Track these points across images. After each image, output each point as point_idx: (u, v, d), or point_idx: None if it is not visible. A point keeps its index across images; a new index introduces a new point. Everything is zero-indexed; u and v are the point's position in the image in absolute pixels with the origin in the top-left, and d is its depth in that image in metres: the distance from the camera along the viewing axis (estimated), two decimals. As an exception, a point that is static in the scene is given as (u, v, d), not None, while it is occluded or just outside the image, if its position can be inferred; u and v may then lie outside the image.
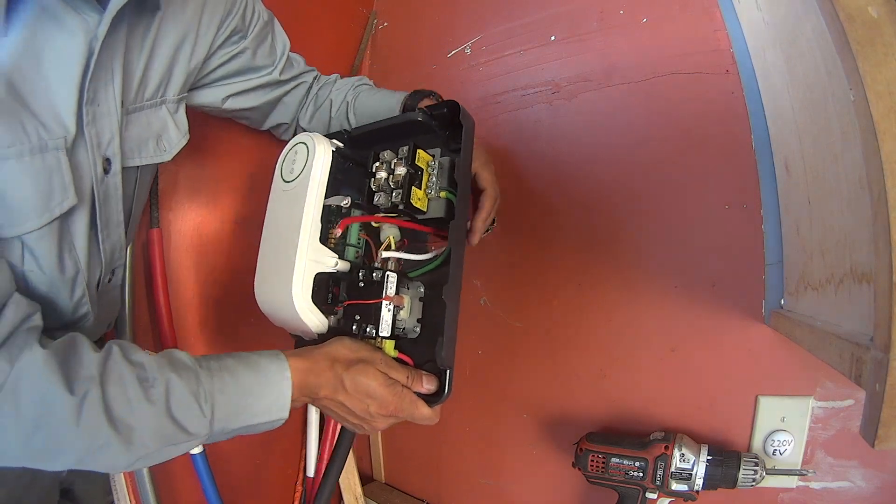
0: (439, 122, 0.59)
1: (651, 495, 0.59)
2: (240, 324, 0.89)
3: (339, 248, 0.59)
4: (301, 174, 0.58)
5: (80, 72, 0.44)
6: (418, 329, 0.57)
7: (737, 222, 0.61)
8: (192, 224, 0.83)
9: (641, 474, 0.59)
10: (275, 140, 0.93)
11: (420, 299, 0.58)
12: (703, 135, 0.64)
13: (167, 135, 0.58)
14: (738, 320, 0.60)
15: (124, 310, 0.73)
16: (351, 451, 0.95)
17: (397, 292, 0.55)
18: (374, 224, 0.61)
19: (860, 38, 0.29)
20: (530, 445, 0.78)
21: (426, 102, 0.67)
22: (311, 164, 0.57)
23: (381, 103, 0.73)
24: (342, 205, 0.59)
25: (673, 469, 0.58)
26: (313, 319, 0.56)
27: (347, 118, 0.75)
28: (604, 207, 0.72)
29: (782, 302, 0.56)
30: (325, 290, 0.57)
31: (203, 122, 0.84)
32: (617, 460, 0.61)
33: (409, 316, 0.57)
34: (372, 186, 0.58)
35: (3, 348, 0.39)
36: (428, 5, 0.98)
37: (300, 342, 0.62)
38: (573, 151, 0.75)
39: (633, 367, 0.68)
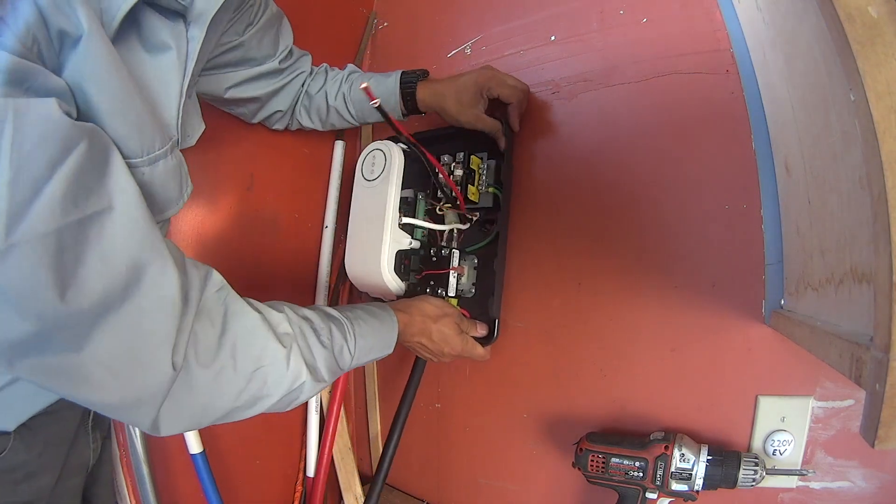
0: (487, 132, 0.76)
1: (651, 495, 0.59)
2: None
3: (409, 233, 0.79)
4: (381, 174, 0.77)
5: (181, 75, 0.48)
6: (474, 290, 0.77)
7: (737, 222, 0.61)
8: (192, 224, 0.83)
9: (641, 474, 0.59)
10: (275, 141, 0.93)
11: (474, 268, 0.77)
12: (703, 135, 0.64)
13: (190, 121, 0.60)
14: (738, 320, 0.60)
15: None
16: (351, 453, 0.96)
17: (458, 263, 0.76)
18: (438, 212, 0.79)
19: (860, 38, 0.29)
20: (530, 445, 0.78)
21: (424, 83, 0.79)
22: (389, 165, 0.76)
23: (378, 88, 0.78)
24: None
25: (673, 469, 0.58)
26: (394, 285, 0.76)
27: (347, 108, 0.80)
28: (604, 207, 0.72)
29: (782, 302, 0.56)
30: (400, 263, 0.77)
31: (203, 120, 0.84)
32: (617, 460, 0.61)
33: (467, 280, 0.77)
34: (440, 181, 0.75)
35: (202, 311, 0.43)
36: (428, 5, 0.98)
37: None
38: (572, 152, 0.75)
39: (633, 367, 0.68)
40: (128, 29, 0.43)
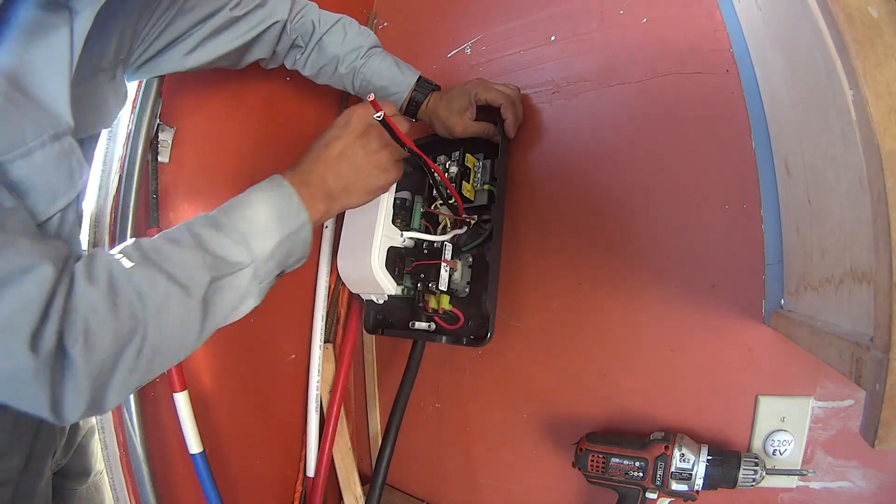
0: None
1: (651, 495, 0.59)
2: (239, 323, 0.89)
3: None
4: None
5: (68, 63, 0.46)
6: (468, 290, 0.75)
7: (737, 222, 0.61)
8: (192, 224, 0.83)
9: (641, 474, 0.59)
10: (275, 141, 0.93)
11: (469, 267, 0.76)
12: (703, 135, 0.64)
13: (107, 102, 0.58)
14: (738, 320, 0.60)
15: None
16: (351, 452, 0.96)
17: (452, 259, 0.73)
18: (432, 209, 0.78)
19: (860, 38, 0.29)
20: (530, 445, 0.78)
21: (434, 96, 0.79)
22: None
23: (390, 80, 0.78)
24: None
25: (673, 469, 0.58)
26: (385, 281, 0.73)
27: (353, 81, 0.79)
28: (603, 207, 0.72)
29: (782, 302, 0.56)
30: (394, 263, 0.74)
31: (203, 120, 0.85)
32: (617, 460, 0.61)
33: (461, 279, 0.75)
34: (431, 181, 0.73)
35: (67, 285, 0.41)
36: (428, 5, 0.98)
37: (370, 310, 0.82)
38: (573, 152, 0.75)
39: (633, 367, 0.68)
40: (17, 8, 0.43)
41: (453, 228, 0.77)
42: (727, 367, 0.61)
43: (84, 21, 0.47)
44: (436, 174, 0.70)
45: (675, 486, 0.58)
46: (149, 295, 0.44)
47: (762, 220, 0.59)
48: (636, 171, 0.69)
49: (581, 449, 0.63)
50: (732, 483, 0.56)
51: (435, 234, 0.77)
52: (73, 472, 0.70)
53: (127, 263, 0.44)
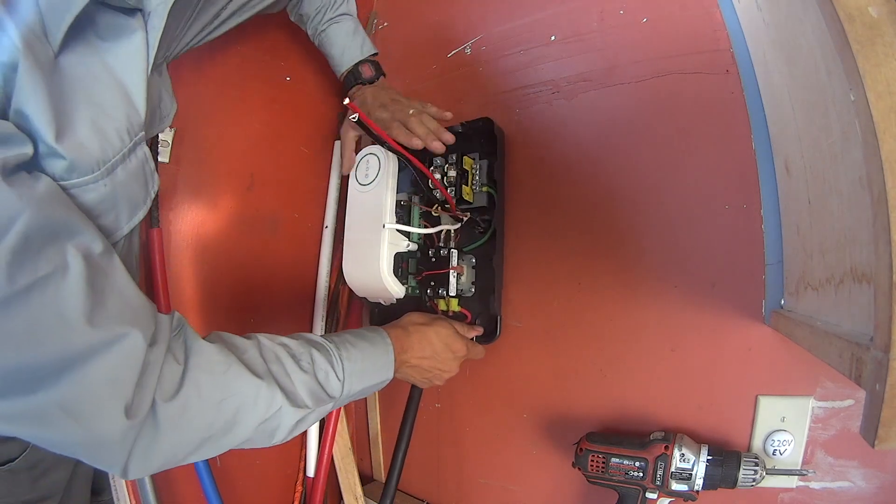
0: (476, 133, 0.78)
1: (651, 495, 0.59)
2: (240, 323, 0.89)
3: (406, 236, 0.77)
4: (376, 179, 0.75)
5: (144, 63, 0.47)
6: (473, 289, 0.77)
7: (737, 222, 0.61)
8: (192, 224, 0.83)
9: (641, 474, 0.59)
10: (275, 141, 0.93)
11: (472, 267, 0.78)
12: (703, 135, 0.64)
13: (163, 101, 0.59)
14: (738, 320, 0.60)
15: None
16: (351, 453, 0.96)
17: (457, 263, 0.75)
18: (433, 214, 0.78)
19: (860, 38, 0.29)
20: (530, 445, 0.78)
21: (365, 69, 0.80)
22: (384, 170, 0.75)
23: (339, 54, 0.80)
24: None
25: (673, 469, 0.58)
26: (394, 287, 0.75)
27: (322, 48, 0.82)
28: (603, 207, 0.72)
29: (782, 302, 0.56)
30: (398, 265, 0.76)
31: (204, 120, 0.85)
32: (617, 460, 0.61)
33: (467, 280, 0.77)
34: (430, 185, 0.75)
35: (168, 353, 0.42)
36: (428, 5, 0.98)
37: (375, 311, 0.86)
38: (572, 152, 0.75)
39: (632, 367, 0.68)
40: (84, 29, 0.43)
41: (448, 224, 0.77)
42: (727, 367, 0.61)
43: (157, 21, 0.47)
44: (422, 172, 0.70)
45: (675, 485, 0.58)
46: (260, 410, 0.46)
47: (762, 220, 0.59)
48: (636, 172, 0.69)
49: (581, 449, 0.63)
50: (732, 483, 0.56)
51: (436, 237, 0.77)
52: (102, 486, 0.70)
53: (253, 378, 0.46)
